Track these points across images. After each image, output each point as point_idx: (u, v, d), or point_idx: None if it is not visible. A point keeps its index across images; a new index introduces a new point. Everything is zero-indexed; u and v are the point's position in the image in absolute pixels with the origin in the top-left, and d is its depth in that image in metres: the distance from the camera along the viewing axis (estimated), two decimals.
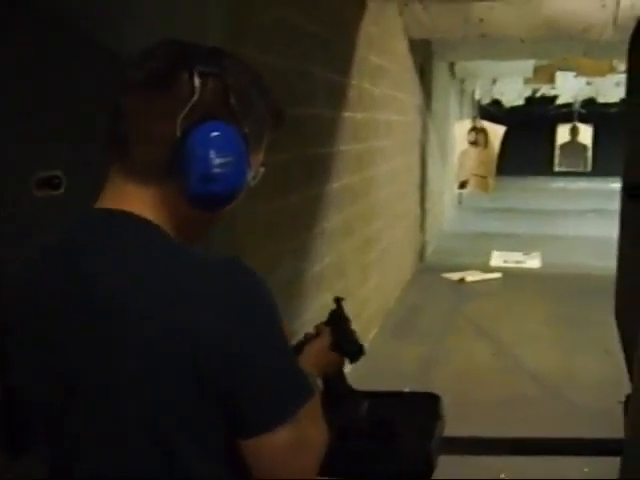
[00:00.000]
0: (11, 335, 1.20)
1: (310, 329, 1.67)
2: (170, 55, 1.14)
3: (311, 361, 1.50)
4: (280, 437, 1.09)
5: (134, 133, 1.13)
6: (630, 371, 2.34)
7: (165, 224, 1.15)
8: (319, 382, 1.51)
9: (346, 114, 5.09)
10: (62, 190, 1.67)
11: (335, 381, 1.62)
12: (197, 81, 1.11)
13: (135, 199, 1.14)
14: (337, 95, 4.92)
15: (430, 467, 1.66)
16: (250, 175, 1.20)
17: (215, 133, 1.11)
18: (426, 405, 1.78)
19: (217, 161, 1.11)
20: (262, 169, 1.26)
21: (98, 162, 1.19)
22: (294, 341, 1.55)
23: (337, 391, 1.62)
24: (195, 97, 1.10)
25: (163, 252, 1.12)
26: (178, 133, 1.10)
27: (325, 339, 1.60)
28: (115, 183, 1.16)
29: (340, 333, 1.63)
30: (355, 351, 1.66)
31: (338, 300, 1.70)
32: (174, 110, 1.10)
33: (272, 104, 1.24)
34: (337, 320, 1.67)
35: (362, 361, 1.70)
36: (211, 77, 1.13)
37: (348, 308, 1.73)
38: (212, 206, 1.16)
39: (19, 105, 1.59)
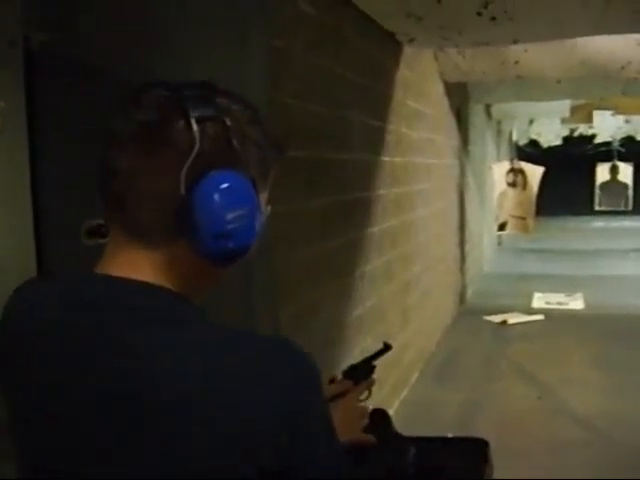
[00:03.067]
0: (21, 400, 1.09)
1: None
2: (159, 102, 1.01)
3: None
4: None
5: (133, 193, 1.00)
6: None
7: (175, 284, 1.04)
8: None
9: (384, 158, 5.11)
10: (109, 238, 1.69)
11: (381, 426, 1.61)
12: (195, 128, 0.99)
13: (143, 264, 1.03)
14: (375, 139, 4.95)
15: None
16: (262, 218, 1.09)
17: (223, 185, 1.00)
18: (474, 450, 1.76)
19: (229, 216, 1.00)
20: (269, 207, 1.14)
21: None
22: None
23: (383, 436, 1.60)
24: (196, 147, 0.98)
25: (199, 332, 1.02)
26: (182, 190, 0.98)
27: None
28: (118, 246, 1.05)
29: None
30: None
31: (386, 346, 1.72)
32: (174, 164, 0.98)
33: (271, 135, 1.11)
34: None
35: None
36: (208, 121, 1.00)
37: (388, 353, 1.73)
38: (227, 262, 1.05)
39: (69, 155, 1.63)
